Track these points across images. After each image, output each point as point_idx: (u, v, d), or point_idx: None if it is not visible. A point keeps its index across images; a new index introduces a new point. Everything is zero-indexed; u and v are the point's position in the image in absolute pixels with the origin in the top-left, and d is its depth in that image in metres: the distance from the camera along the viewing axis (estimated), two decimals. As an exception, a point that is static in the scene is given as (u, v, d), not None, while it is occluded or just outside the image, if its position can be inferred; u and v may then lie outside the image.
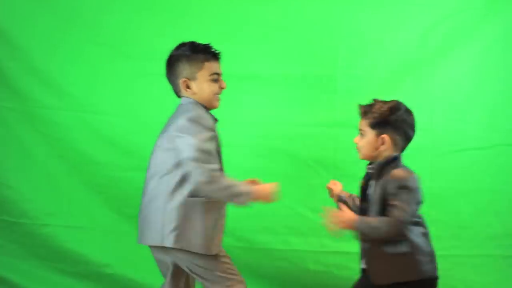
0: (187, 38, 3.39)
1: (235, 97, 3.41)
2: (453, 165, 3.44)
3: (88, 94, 3.43)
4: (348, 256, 3.36)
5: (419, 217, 2.40)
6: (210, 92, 2.45)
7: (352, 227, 2.32)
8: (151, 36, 3.42)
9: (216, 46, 3.41)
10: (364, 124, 2.42)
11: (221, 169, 2.41)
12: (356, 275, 3.39)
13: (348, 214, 2.33)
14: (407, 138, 2.45)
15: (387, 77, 3.48)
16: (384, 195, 2.36)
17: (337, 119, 3.46)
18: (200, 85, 2.44)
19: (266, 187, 2.38)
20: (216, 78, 2.47)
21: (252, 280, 3.46)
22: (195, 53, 2.45)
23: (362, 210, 2.43)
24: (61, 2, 3.42)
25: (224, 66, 3.40)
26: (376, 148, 2.42)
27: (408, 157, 3.37)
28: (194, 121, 2.34)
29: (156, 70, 3.41)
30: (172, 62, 2.49)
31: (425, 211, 3.38)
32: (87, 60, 3.42)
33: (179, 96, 2.54)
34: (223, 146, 3.39)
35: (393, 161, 2.41)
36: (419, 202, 2.35)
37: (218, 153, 2.43)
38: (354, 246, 3.36)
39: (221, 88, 2.50)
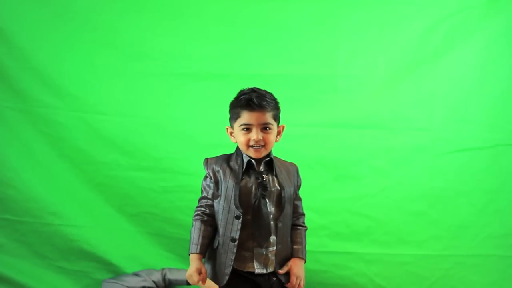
0: (187, 38, 3.50)
1: (235, 97, 3.48)
2: (453, 165, 3.48)
3: (89, 94, 3.47)
4: (348, 256, 3.44)
5: None
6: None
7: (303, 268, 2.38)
8: (151, 37, 3.48)
9: (216, 46, 3.49)
10: (270, 117, 2.34)
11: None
12: (355, 275, 3.46)
13: (299, 270, 2.37)
14: None
15: (387, 77, 3.52)
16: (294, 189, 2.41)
17: (337, 119, 3.51)
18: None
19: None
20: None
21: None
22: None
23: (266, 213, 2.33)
24: (62, 2, 3.47)
25: (224, 66, 3.50)
26: (275, 141, 2.41)
27: (408, 157, 3.48)
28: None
29: (156, 70, 3.50)
30: None
31: (425, 210, 3.48)
32: (87, 60, 3.46)
33: None
34: (223, 146, 3.45)
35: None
36: None
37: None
38: (354, 246, 3.46)
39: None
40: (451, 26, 3.48)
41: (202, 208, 2.39)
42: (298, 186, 2.49)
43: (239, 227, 2.29)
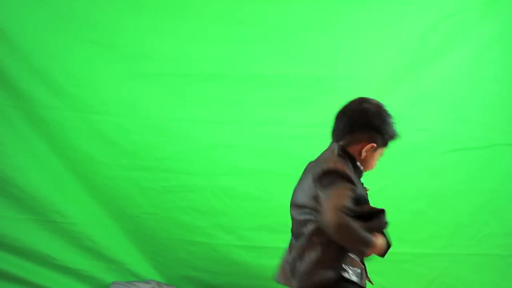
0: (188, 39, 3.55)
1: (235, 97, 3.54)
2: (452, 164, 3.54)
3: (90, 95, 3.54)
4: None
5: None
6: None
7: None
8: (152, 37, 3.54)
9: (216, 46, 3.56)
10: None
11: None
12: (354, 273, 3.51)
13: None
14: None
15: (386, 77, 3.57)
16: None
17: (337, 119, 3.56)
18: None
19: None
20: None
21: (252, 278, 3.58)
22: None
23: None
24: (63, 3, 3.53)
25: (224, 66, 3.56)
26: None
27: (407, 156, 3.53)
28: None
29: (157, 71, 3.56)
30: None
31: (424, 210, 3.53)
32: (88, 61, 3.53)
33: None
34: (224, 146, 3.53)
35: None
36: None
37: None
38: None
39: None
40: (450, 27, 3.53)
41: None
42: None
43: None
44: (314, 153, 3.60)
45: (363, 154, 2.39)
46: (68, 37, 3.52)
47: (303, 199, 2.34)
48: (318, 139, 3.49)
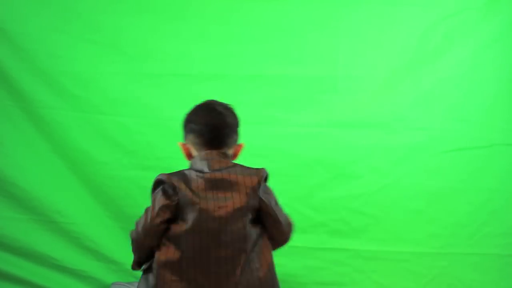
0: (189, 39, 3.59)
1: (235, 97, 3.56)
2: (451, 164, 3.57)
3: (92, 95, 3.56)
4: (346, 253, 3.53)
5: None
6: None
7: None
8: (154, 38, 3.57)
9: (217, 46, 3.60)
10: None
11: None
12: (353, 272, 3.56)
13: None
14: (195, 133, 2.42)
15: (386, 77, 3.60)
16: None
17: (337, 119, 3.59)
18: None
19: None
20: None
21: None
22: None
23: None
24: (65, 3, 3.56)
25: (224, 66, 3.59)
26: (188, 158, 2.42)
27: (407, 156, 3.58)
28: None
29: (159, 71, 3.59)
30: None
31: (423, 209, 3.57)
32: (91, 61, 3.56)
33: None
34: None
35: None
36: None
37: None
38: (352, 244, 3.56)
39: None
40: (450, 27, 3.57)
41: None
42: None
43: None
44: (313, 152, 3.68)
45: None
46: (70, 37, 3.54)
47: None
48: (319, 139, 3.61)
